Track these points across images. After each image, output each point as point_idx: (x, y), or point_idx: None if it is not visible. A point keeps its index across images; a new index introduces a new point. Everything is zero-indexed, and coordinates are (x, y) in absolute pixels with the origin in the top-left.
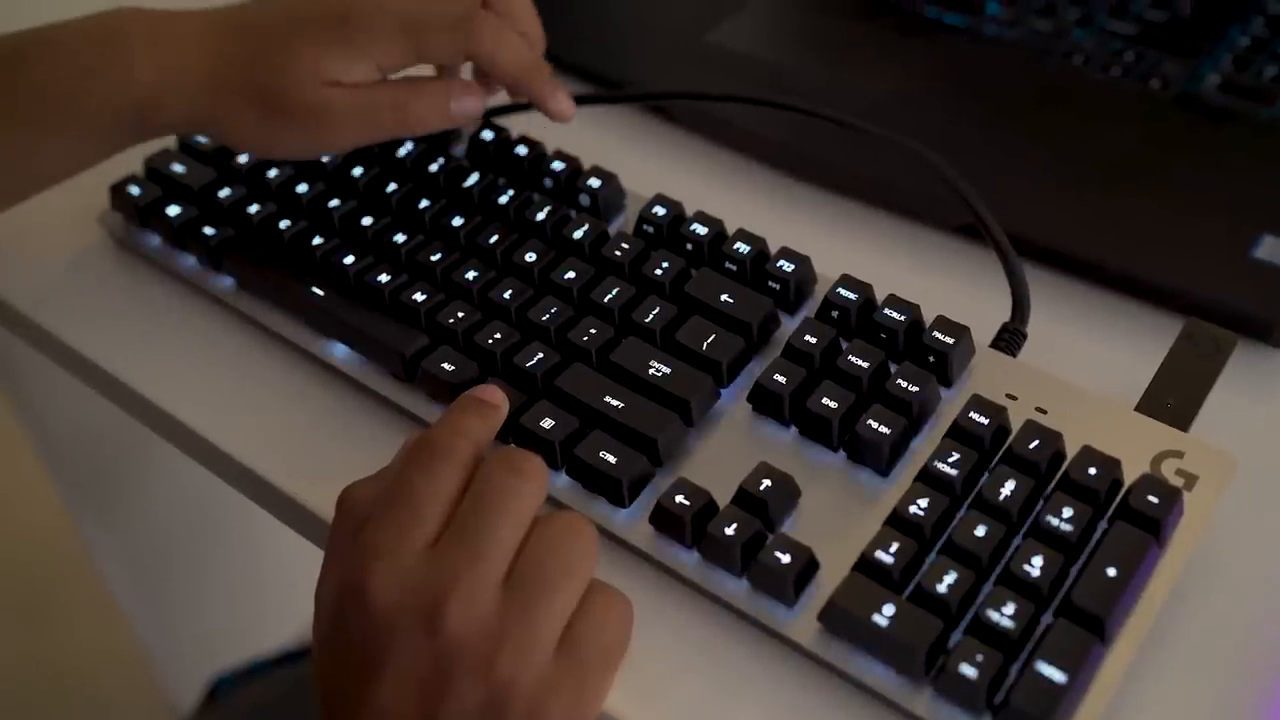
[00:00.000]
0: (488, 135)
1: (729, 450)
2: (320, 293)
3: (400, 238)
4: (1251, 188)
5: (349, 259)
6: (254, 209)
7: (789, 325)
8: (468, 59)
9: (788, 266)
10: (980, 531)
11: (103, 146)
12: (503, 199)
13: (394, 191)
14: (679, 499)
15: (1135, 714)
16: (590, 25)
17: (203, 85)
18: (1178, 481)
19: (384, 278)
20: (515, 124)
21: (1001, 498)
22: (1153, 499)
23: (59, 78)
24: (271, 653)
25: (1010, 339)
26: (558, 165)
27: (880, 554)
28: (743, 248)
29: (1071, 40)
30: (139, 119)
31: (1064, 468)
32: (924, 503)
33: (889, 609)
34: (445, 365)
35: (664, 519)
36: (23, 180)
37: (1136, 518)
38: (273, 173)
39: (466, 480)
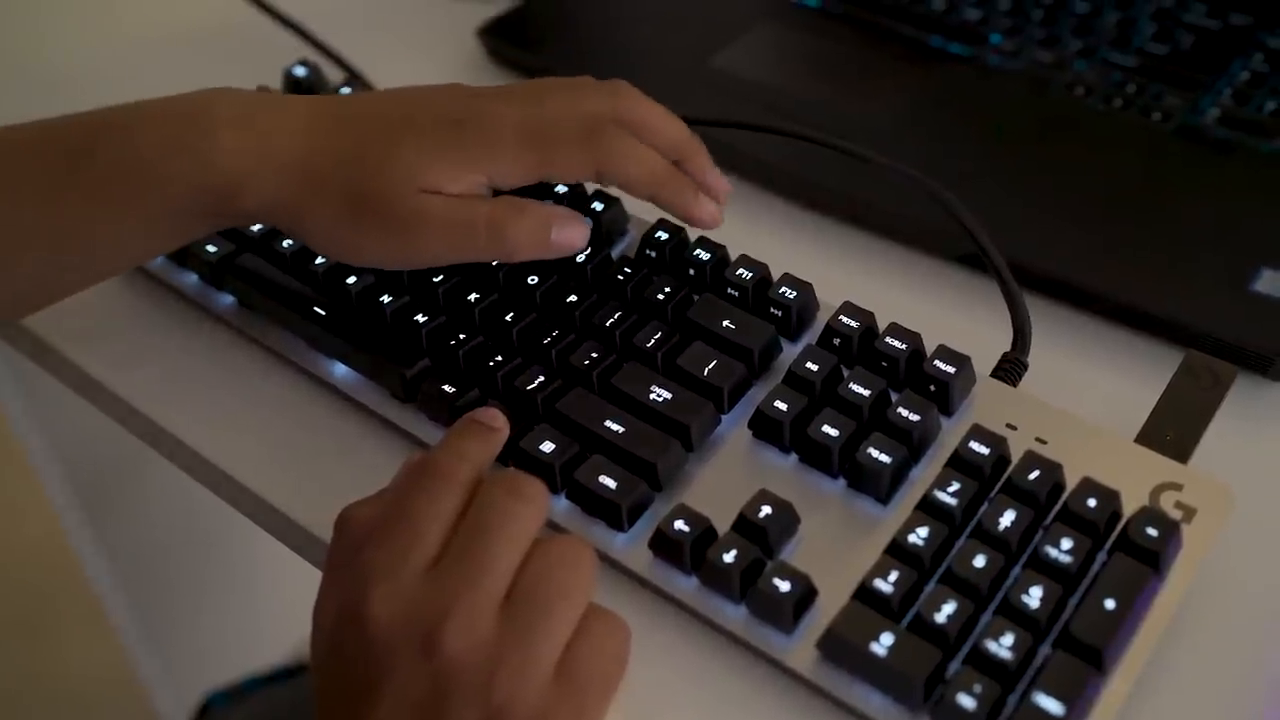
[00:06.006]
0: None
1: (729, 476)
2: (321, 312)
3: None
4: (1252, 221)
5: (351, 279)
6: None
7: (790, 352)
8: (595, 179)
9: (790, 293)
10: (979, 561)
11: (176, 230)
12: None
13: None
14: (678, 525)
15: None
16: (595, 49)
17: (291, 175)
18: (1176, 514)
19: (386, 298)
20: None
21: (1001, 528)
22: (1152, 531)
23: (137, 155)
24: (264, 670)
25: (1011, 369)
26: (561, 189)
27: (879, 583)
28: (745, 274)
29: (1074, 71)
30: (218, 203)
31: (1063, 499)
32: (924, 532)
33: (887, 638)
34: (446, 387)
35: (663, 545)
36: (93, 263)
37: (1135, 550)
38: None
39: (466, 503)
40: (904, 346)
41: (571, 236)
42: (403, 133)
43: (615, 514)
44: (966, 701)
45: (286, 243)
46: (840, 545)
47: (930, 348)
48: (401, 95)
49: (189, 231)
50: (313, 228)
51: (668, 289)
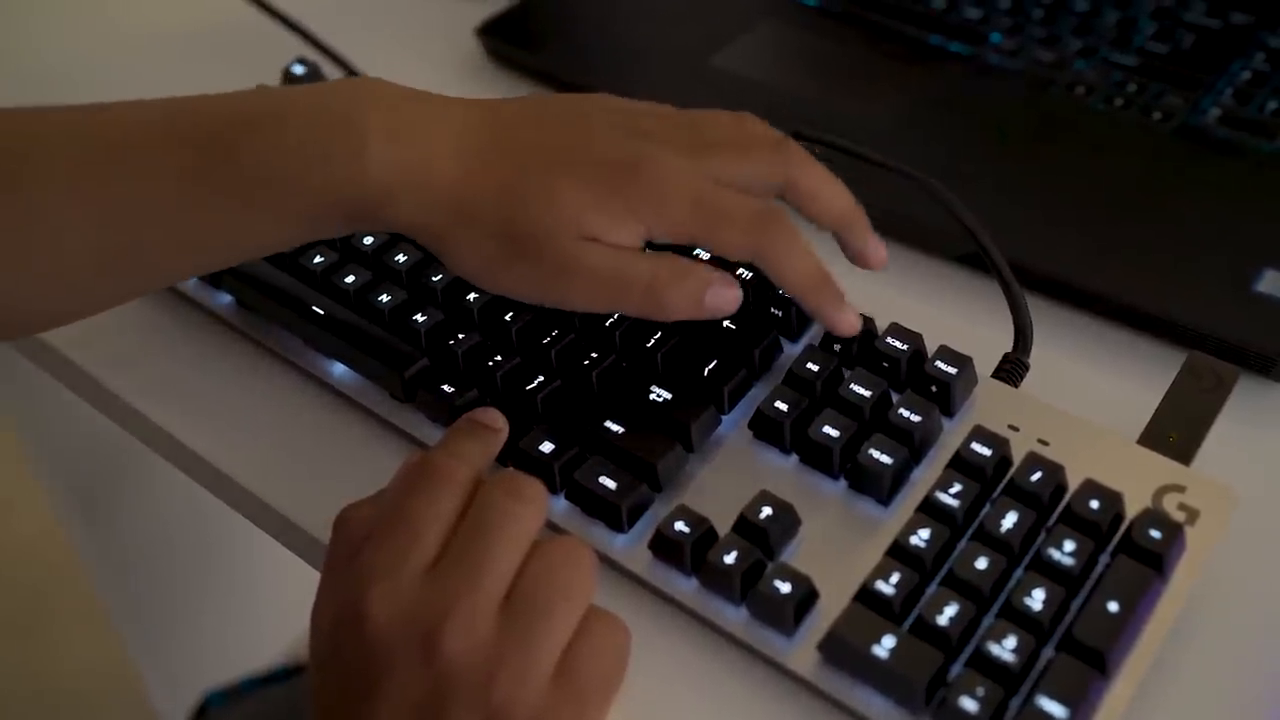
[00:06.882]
0: None
1: (729, 477)
2: (320, 311)
3: (401, 258)
4: (1253, 221)
5: (349, 278)
6: None
7: (791, 352)
8: (752, 261)
9: None
10: (982, 564)
11: (313, 231)
12: None
13: None
14: (678, 526)
15: None
16: (596, 48)
17: (441, 199)
18: (1180, 516)
19: (384, 298)
20: None
21: (1003, 530)
22: (1155, 533)
23: (280, 161)
24: (262, 670)
25: (1012, 369)
26: None
27: (881, 585)
28: (744, 274)
29: (1074, 71)
30: (360, 212)
31: (1066, 500)
32: (925, 533)
33: (889, 640)
34: (445, 387)
35: (663, 546)
36: (219, 252)
37: (1138, 552)
38: None
39: (465, 504)
40: (905, 347)
41: (725, 302)
42: (565, 171)
43: (615, 515)
44: (969, 705)
45: None
46: (841, 547)
47: (931, 348)
48: (558, 119)
49: (325, 232)
50: (457, 256)
51: None
